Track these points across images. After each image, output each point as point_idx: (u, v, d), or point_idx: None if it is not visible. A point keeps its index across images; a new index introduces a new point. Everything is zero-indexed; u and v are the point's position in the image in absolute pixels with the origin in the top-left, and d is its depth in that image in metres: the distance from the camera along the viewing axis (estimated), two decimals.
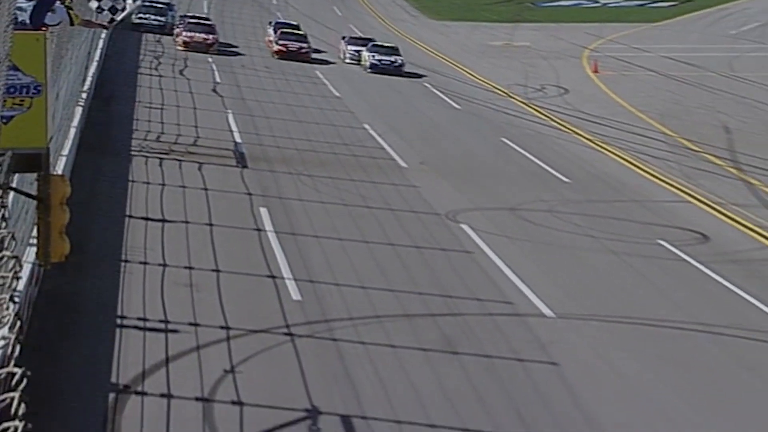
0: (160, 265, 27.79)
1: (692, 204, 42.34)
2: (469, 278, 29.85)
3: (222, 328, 24.06)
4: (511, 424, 20.87)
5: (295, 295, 26.87)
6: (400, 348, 24.15)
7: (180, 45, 70.43)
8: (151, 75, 58.73)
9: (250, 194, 36.20)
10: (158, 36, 74.88)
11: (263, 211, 34.28)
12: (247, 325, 24.40)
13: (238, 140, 44.98)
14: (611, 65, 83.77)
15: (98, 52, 54.36)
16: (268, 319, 24.96)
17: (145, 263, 27.82)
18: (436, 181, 41.96)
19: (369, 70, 73.24)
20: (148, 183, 35.99)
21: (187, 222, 32.00)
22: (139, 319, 24.10)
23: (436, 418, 20.71)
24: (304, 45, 75.81)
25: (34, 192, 17.11)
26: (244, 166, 40.38)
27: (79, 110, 39.09)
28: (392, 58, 74.11)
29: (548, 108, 64.46)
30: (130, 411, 19.64)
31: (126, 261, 27.87)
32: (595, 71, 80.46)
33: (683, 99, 71.31)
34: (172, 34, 73.63)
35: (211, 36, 72.37)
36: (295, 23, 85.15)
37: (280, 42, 75.32)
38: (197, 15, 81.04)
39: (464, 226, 35.26)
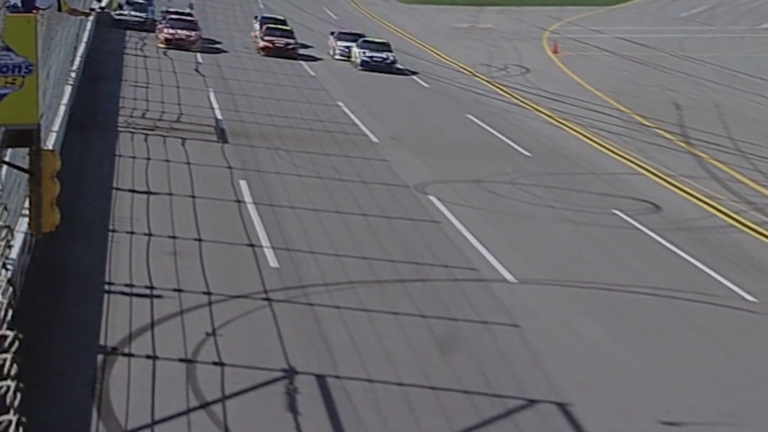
0: (145, 234, 27.72)
1: (645, 176, 42.42)
2: (437, 246, 29.87)
3: (204, 293, 24.04)
4: (476, 383, 20.89)
5: (273, 262, 26.86)
6: (372, 312, 24.17)
7: (161, 43, 62.76)
8: (136, 55, 58.43)
9: (230, 168, 36.10)
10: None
11: (243, 183, 34.21)
12: (228, 290, 24.38)
13: (219, 117, 44.81)
14: (570, 46, 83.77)
15: (86, 33, 54.00)
16: (247, 285, 24.94)
17: (131, 233, 27.75)
18: (405, 155, 41.91)
19: (360, 68, 65.35)
20: (134, 157, 35.86)
21: (171, 194, 31.91)
22: (125, 285, 24.04)
23: (406, 378, 20.72)
24: (291, 41, 67.73)
25: (26, 166, 17.06)
26: (225, 142, 40.25)
27: (68, 89, 38.83)
28: (384, 55, 66.09)
29: (511, 86, 64.43)
30: (117, 372, 19.61)
31: (113, 231, 27.80)
32: (555, 52, 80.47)
33: (637, 78, 71.42)
34: (153, 31, 66.01)
35: (194, 33, 64.17)
36: (281, 18, 75.35)
37: (266, 38, 67.21)
38: (179, 10, 70.97)
39: (432, 198, 35.26)
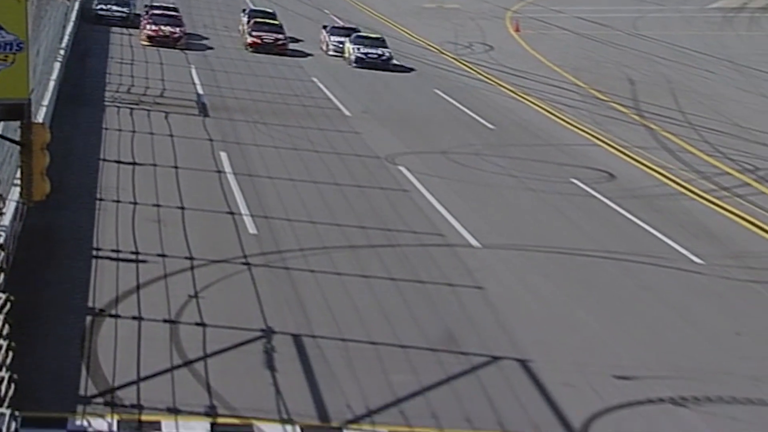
0: (131, 203, 27.67)
1: (601, 147, 42.51)
2: (406, 213, 29.89)
3: (186, 258, 24.04)
4: (440, 339, 20.99)
5: (252, 229, 26.85)
6: (344, 275, 24.20)
7: (144, 40, 55.74)
8: (122, 33, 58.06)
9: (211, 140, 36.01)
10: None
11: (223, 155, 34.14)
12: (209, 255, 24.37)
13: (201, 92, 44.66)
14: (531, 25, 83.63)
15: (74, 13, 53.69)
16: (227, 251, 24.93)
17: (117, 201, 27.70)
18: (376, 128, 41.87)
19: (354, 65, 57.98)
20: (119, 130, 35.73)
21: (155, 165, 31.84)
22: (112, 250, 24.02)
23: (377, 337, 20.78)
24: (281, 36, 59.97)
25: (17, 138, 17.02)
26: (206, 115, 40.12)
27: (57, 65, 38.69)
28: (379, 51, 58.63)
29: (476, 63, 64.34)
30: (105, 332, 19.61)
31: (100, 199, 27.73)
32: (517, 30, 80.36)
33: (594, 55, 71.41)
34: (137, 27, 58.59)
35: (178, 29, 56.78)
36: (270, 11, 67.71)
37: (254, 33, 59.54)
38: (163, 4, 63.10)
39: (401, 168, 35.26)
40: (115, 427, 16.17)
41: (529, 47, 72.73)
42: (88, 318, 20.21)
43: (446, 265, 25.72)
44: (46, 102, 32.02)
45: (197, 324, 20.48)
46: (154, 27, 56.03)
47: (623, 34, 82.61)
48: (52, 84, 35.39)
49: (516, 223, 30.37)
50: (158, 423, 16.46)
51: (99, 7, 59.94)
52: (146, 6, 62.54)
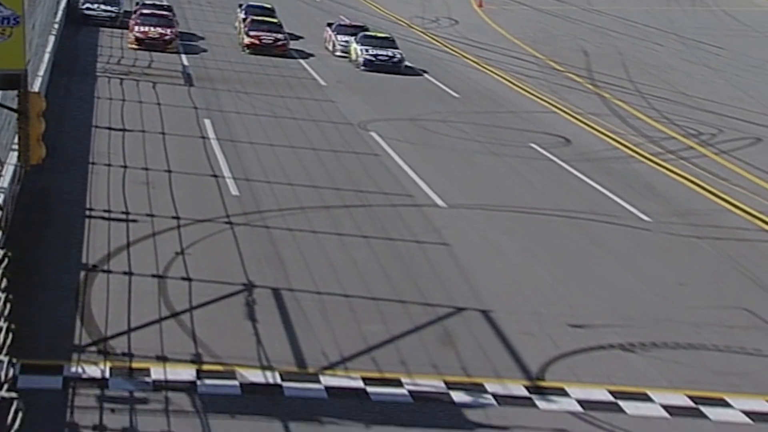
0: (121, 166, 27.55)
1: (557, 114, 42.55)
2: (377, 176, 29.87)
3: (173, 218, 23.97)
4: (410, 293, 21.04)
5: (234, 190, 26.78)
6: (320, 233, 24.20)
7: (131, 42, 46.50)
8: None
9: (196, 108, 35.84)
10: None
11: (207, 122, 34.00)
12: (194, 215, 24.31)
13: (186, 63, 44.38)
14: (493, 1, 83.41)
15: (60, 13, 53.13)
16: (211, 211, 24.87)
17: (108, 165, 27.58)
18: (350, 96, 41.75)
19: (363, 68, 48.65)
20: (110, 99, 35.52)
21: (143, 131, 31.68)
22: (104, 210, 23.95)
23: (350, 290, 20.82)
24: (281, 36, 50.45)
25: (14, 106, 16.92)
26: (191, 85, 39.90)
27: (52, 38, 38.37)
28: (389, 53, 49.50)
29: (442, 36, 64.19)
30: (97, 286, 19.59)
31: (93, 163, 27.61)
32: (480, 5, 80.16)
33: (551, 28, 71.41)
34: (126, 27, 48.92)
35: (169, 30, 47.36)
36: (268, 6, 57.15)
37: (252, 33, 49.93)
38: (154, 2, 52.99)
39: (373, 134, 35.21)
40: (107, 374, 16.19)
41: (492, 21, 72.66)
42: (82, 273, 20.18)
43: (414, 224, 25.74)
44: (41, 72, 31.77)
45: (183, 279, 20.47)
46: (142, 28, 46.99)
47: (578, 9, 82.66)
48: (47, 56, 35.12)
49: (479, 184, 30.39)
50: (148, 370, 16.47)
51: (86, 6, 50.97)
52: (137, 3, 53.53)
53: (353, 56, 50.03)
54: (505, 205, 28.28)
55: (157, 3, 53.06)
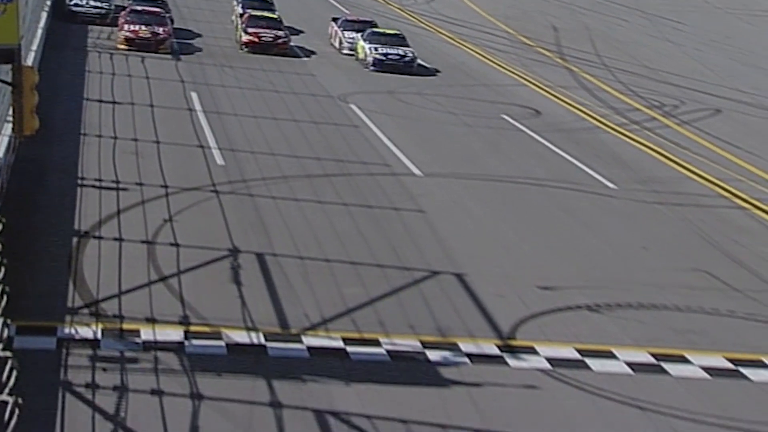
0: (111, 137, 27.42)
1: (528, 87, 42.52)
2: (356, 146, 29.82)
3: (162, 186, 23.88)
4: (388, 258, 21.04)
5: (220, 160, 26.70)
6: (302, 201, 24.16)
7: (121, 43, 40.43)
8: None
9: (183, 81, 35.68)
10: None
11: (194, 95, 33.85)
12: (182, 184, 24.23)
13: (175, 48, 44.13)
14: None
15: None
16: (198, 180, 24.79)
17: (99, 136, 27.45)
18: (330, 70, 41.61)
19: (372, 68, 42.68)
20: (101, 72, 35.31)
21: (132, 103, 31.53)
22: (95, 179, 23.85)
23: (330, 255, 20.82)
24: (281, 33, 44.32)
25: (9, 79, 16.80)
26: (178, 60, 39.69)
27: (44, 14, 38.09)
28: (400, 51, 43.47)
29: (418, 13, 63.98)
30: (89, 251, 19.52)
31: (84, 134, 27.47)
32: None
33: (522, 5, 71.19)
34: (117, 25, 42.69)
35: (161, 29, 41.30)
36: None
37: (250, 30, 43.79)
38: None
39: (352, 106, 35.12)
40: (99, 335, 16.16)
41: None
42: (75, 239, 20.10)
43: (392, 192, 25.72)
44: (34, 47, 31.57)
45: (171, 244, 20.41)
46: (132, 27, 40.96)
47: None
48: (40, 31, 34.88)
49: (453, 154, 30.38)
50: (138, 331, 16.44)
51: (74, 2, 44.84)
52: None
53: (361, 55, 43.92)
54: (477, 174, 28.28)
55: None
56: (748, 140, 35.71)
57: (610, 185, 28.48)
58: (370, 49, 43.34)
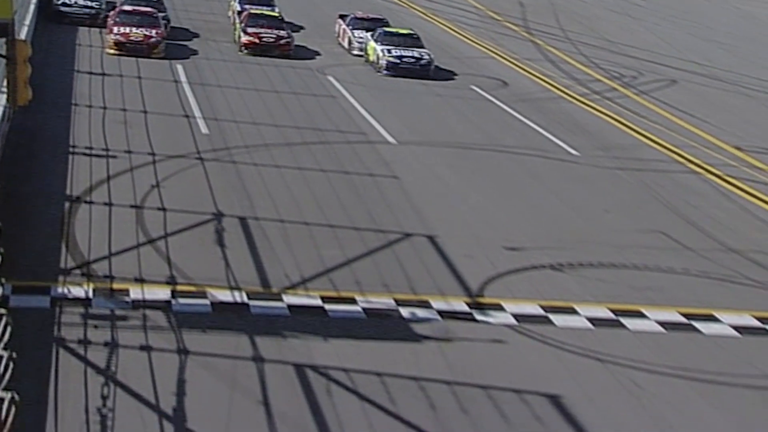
0: (101, 107, 27.23)
1: (496, 59, 42.44)
2: (334, 116, 29.72)
3: (149, 154, 23.76)
4: (364, 220, 21.05)
5: (204, 129, 26.58)
6: (282, 167, 24.10)
7: (110, 47, 34.62)
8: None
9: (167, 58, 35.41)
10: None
11: (179, 67, 33.62)
12: (168, 152, 24.11)
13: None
14: None
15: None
16: (183, 147, 24.68)
17: (90, 106, 27.26)
18: (308, 44, 41.37)
19: (386, 72, 36.64)
20: (90, 46, 35.01)
21: (121, 75, 31.32)
22: (86, 147, 23.72)
23: (309, 218, 20.80)
24: (283, 33, 38.37)
25: (3, 52, 16.65)
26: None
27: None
28: (415, 53, 37.33)
29: None
30: (80, 215, 19.43)
31: (75, 104, 27.27)
32: None
33: None
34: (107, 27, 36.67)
35: (154, 31, 35.40)
36: None
37: (250, 30, 37.97)
38: None
39: (330, 77, 34.98)
40: (90, 294, 16.12)
41: None
42: (67, 204, 20.01)
43: (367, 159, 25.68)
44: (27, 21, 31.25)
45: (159, 209, 20.34)
46: (122, 30, 35.05)
47: None
48: (32, 6, 34.51)
49: (425, 123, 30.33)
50: (127, 290, 16.41)
51: (62, 2, 38.77)
52: None
53: (371, 57, 37.90)
54: (448, 142, 28.26)
55: None
56: (701, 109, 35.82)
57: (574, 152, 28.52)
58: (382, 51, 37.17)
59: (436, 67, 37.66)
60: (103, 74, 30.83)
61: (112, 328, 15.08)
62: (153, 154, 23.71)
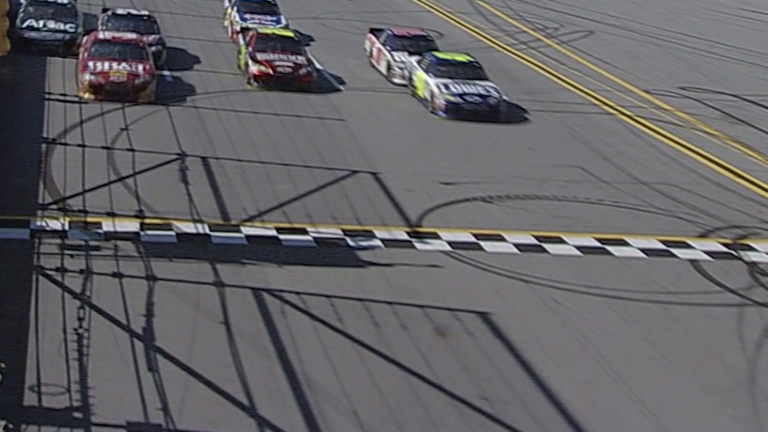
0: (74, 58, 26.64)
1: (433, 13, 42.13)
2: None
3: (118, 100, 23.39)
4: (314, 159, 20.96)
5: (168, 78, 26.18)
6: (240, 112, 23.91)
7: (84, 90, 23.38)
8: None
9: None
10: None
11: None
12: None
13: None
14: None
15: None
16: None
17: (63, 57, 26.70)
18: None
19: (444, 115, 25.32)
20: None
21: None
22: (60, 94, 23.35)
23: (265, 158, 20.72)
24: (302, 60, 26.93)
25: None
26: None
27: None
28: (480, 89, 26.04)
29: None
30: (56, 155, 19.23)
31: (50, 55, 26.71)
32: None
33: None
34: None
35: (141, 67, 23.96)
36: None
37: (260, 57, 26.48)
38: (129, 11, 29.26)
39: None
40: (66, 227, 15.98)
41: None
42: (44, 145, 19.74)
43: (317, 103, 25.50)
44: None
45: (128, 150, 20.13)
46: (99, 66, 23.88)
47: None
48: None
49: (370, 70, 30.09)
50: (100, 223, 16.29)
51: (27, 25, 27.50)
52: (104, 11, 29.54)
53: (422, 92, 26.50)
54: (389, 88, 28.07)
55: (134, 13, 29.08)
56: (615, 57, 35.89)
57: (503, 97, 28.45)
58: (438, 86, 25.90)
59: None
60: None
61: (87, 257, 14.98)
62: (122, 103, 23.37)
